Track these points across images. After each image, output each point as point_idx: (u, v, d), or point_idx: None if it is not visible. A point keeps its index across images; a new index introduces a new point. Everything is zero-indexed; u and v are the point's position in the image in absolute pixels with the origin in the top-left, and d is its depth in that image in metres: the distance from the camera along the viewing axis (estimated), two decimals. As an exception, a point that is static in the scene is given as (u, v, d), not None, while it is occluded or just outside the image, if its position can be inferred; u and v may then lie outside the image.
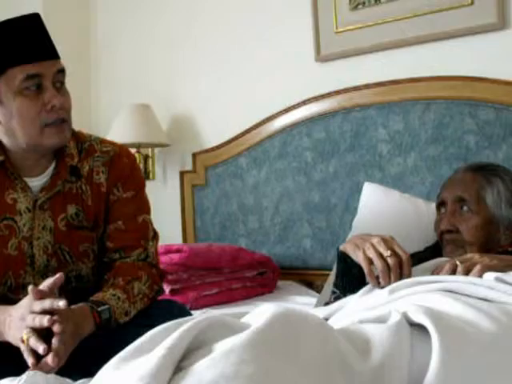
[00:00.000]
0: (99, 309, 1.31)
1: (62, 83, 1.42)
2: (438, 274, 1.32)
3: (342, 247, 1.49)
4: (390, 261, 1.32)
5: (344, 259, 1.46)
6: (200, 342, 0.85)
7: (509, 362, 0.98)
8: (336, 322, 1.14)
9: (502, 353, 0.98)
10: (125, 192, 1.50)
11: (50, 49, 1.39)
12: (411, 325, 0.99)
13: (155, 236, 1.56)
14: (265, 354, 0.79)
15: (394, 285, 1.24)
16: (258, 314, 0.89)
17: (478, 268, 1.27)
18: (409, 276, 1.33)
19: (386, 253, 1.33)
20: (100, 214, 1.49)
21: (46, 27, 1.41)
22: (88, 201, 1.47)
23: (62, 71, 1.41)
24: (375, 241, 1.37)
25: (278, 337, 0.83)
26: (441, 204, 1.65)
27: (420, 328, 0.98)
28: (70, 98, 1.45)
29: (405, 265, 1.33)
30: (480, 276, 1.26)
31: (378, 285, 1.33)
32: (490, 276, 1.23)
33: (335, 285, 1.50)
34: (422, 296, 1.15)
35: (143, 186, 1.57)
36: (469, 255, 1.35)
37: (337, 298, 1.45)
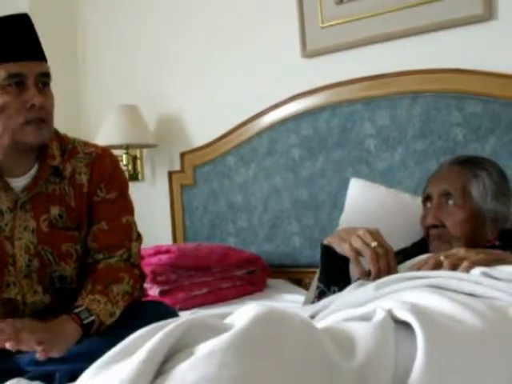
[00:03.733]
0: (76, 310, 1.32)
1: (46, 84, 1.43)
2: (419, 269, 1.30)
3: (325, 241, 1.49)
4: (378, 250, 1.35)
5: (328, 253, 1.47)
6: (182, 345, 0.84)
7: (495, 357, 0.97)
8: (322, 320, 1.13)
9: (487, 348, 0.97)
10: (108, 193, 1.51)
11: (36, 50, 1.40)
12: (396, 322, 0.98)
13: (139, 237, 1.57)
14: (247, 356, 0.78)
15: (379, 281, 1.23)
16: (241, 314, 0.88)
17: (465, 264, 1.26)
18: (394, 267, 1.35)
19: (374, 243, 1.36)
20: (83, 215, 1.49)
21: (35, 29, 1.42)
22: (71, 202, 1.48)
23: (46, 74, 1.42)
24: (361, 232, 1.40)
25: (261, 337, 0.81)
26: (427, 199, 1.64)
27: (405, 325, 0.97)
28: (53, 99, 1.46)
29: (390, 256, 1.36)
30: (467, 272, 1.25)
31: (365, 276, 1.34)
32: (476, 271, 1.22)
33: (319, 279, 1.51)
34: (408, 292, 1.14)
35: (126, 188, 1.59)
36: (454, 250, 1.34)
37: (321, 293, 1.46)
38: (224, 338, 0.80)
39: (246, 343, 0.79)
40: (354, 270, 1.45)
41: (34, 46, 1.40)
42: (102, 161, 1.53)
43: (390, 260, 1.35)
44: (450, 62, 2.20)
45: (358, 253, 1.37)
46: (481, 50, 2.18)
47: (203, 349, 0.80)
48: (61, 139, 1.52)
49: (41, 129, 1.41)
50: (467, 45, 2.20)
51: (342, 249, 1.42)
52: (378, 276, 1.33)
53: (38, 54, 1.40)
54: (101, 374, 0.81)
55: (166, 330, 0.82)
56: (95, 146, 1.58)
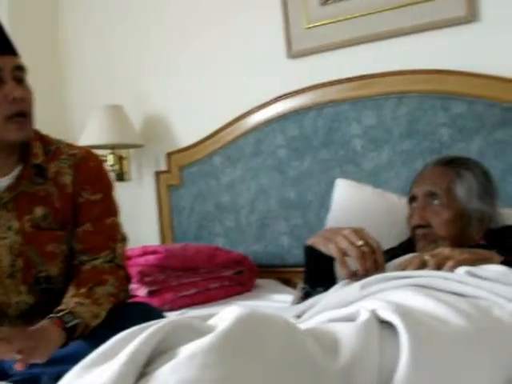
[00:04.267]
0: (59, 314, 1.31)
1: (22, 80, 1.42)
2: (404, 269, 1.31)
3: (309, 241, 1.48)
4: (364, 249, 1.34)
5: (312, 253, 1.46)
6: (165, 346, 0.83)
7: (479, 357, 0.98)
8: (307, 321, 1.13)
9: (471, 348, 0.97)
10: (92, 194, 1.51)
11: (8, 44, 1.40)
12: (381, 322, 0.98)
13: (124, 239, 1.56)
14: (229, 357, 0.78)
15: (364, 281, 1.23)
16: (224, 316, 0.87)
17: (450, 263, 1.26)
18: (382, 264, 1.35)
19: (359, 242, 1.35)
20: (67, 216, 1.49)
21: (4, 25, 1.42)
22: (55, 203, 1.47)
23: (21, 68, 1.41)
24: (347, 232, 1.38)
25: (243, 339, 0.81)
26: (412, 199, 1.65)
27: (390, 325, 0.97)
28: (32, 93, 1.45)
29: (377, 253, 1.35)
30: (452, 271, 1.25)
31: (352, 276, 1.34)
32: (461, 270, 1.23)
33: (304, 280, 1.50)
34: (393, 292, 1.14)
35: (111, 189, 1.58)
36: (438, 250, 1.34)
37: (307, 293, 1.45)
38: (206, 339, 0.79)
39: (228, 345, 0.79)
40: (339, 269, 1.45)
41: (5, 40, 1.40)
42: (86, 162, 1.52)
43: (377, 257, 1.35)
44: (435, 62, 2.21)
45: (344, 253, 1.36)
46: (465, 51, 2.19)
47: (185, 351, 0.79)
48: (43, 139, 1.52)
49: (24, 124, 1.40)
50: (451, 46, 2.22)
51: (328, 249, 1.40)
52: (366, 275, 1.32)
53: (10, 48, 1.40)
54: (82, 377, 0.80)
55: (149, 331, 0.82)
56: (79, 148, 1.57)
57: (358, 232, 1.38)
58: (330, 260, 1.44)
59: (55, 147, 1.52)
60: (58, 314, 1.32)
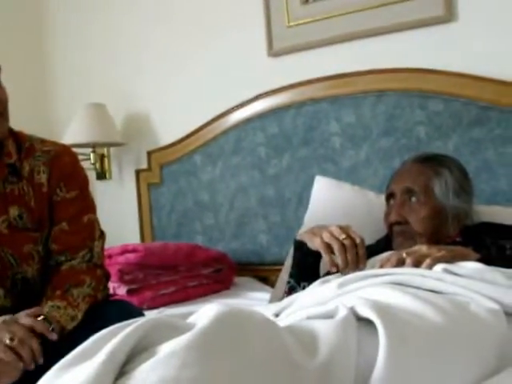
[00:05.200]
0: None
1: None
2: (382, 266, 1.32)
3: (298, 236, 1.52)
4: (346, 242, 1.38)
5: (300, 248, 1.48)
6: (144, 345, 0.83)
7: (456, 351, 0.99)
8: (286, 318, 1.13)
9: (448, 343, 0.98)
10: (68, 192, 1.48)
11: None
12: (359, 319, 0.98)
13: (101, 236, 1.53)
14: (208, 356, 0.78)
15: (343, 278, 1.24)
16: (203, 314, 0.87)
17: (428, 262, 1.28)
18: (363, 258, 1.39)
19: (342, 236, 1.40)
20: (44, 216, 1.46)
21: None
22: (31, 202, 1.44)
23: None
24: (333, 228, 1.44)
25: (222, 337, 0.81)
26: (390, 196, 1.66)
27: (368, 322, 0.97)
28: (6, 92, 1.42)
29: (359, 246, 1.39)
30: (430, 269, 1.27)
31: (334, 267, 1.37)
32: (438, 268, 1.24)
33: (290, 274, 1.52)
34: (372, 289, 1.15)
35: (87, 185, 1.55)
36: (416, 247, 1.36)
37: (291, 288, 1.47)
38: (185, 338, 0.79)
39: (206, 343, 0.79)
40: (324, 266, 1.48)
41: None
42: (60, 159, 1.49)
43: (359, 251, 1.38)
44: (414, 61, 2.23)
45: (328, 246, 1.40)
46: (442, 50, 2.22)
47: (164, 349, 0.79)
48: (16, 137, 1.48)
49: None
50: (429, 45, 2.24)
51: (313, 243, 1.45)
52: (346, 267, 1.36)
53: None
54: (60, 377, 0.80)
55: (128, 330, 0.82)
56: (53, 144, 1.53)
57: (343, 228, 1.43)
58: (317, 256, 1.48)
59: (28, 144, 1.48)
60: None
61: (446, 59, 2.19)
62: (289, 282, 1.53)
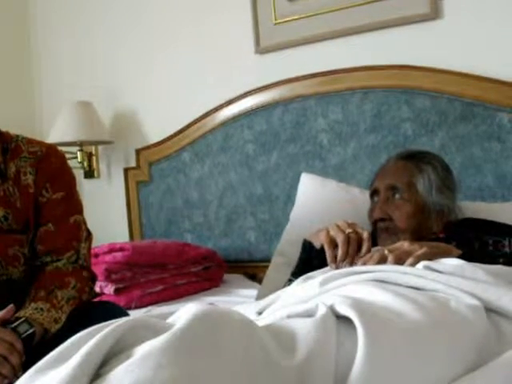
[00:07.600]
0: (13, 325, 1.26)
1: None
2: (364, 263, 1.32)
3: (308, 236, 1.51)
4: (351, 235, 1.39)
5: (308, 249, 1.48)
6: (121, 347, 0.82)
7: (436, 348, 0.99)
8: (269, 316, 1.13)
9: (427, 340, 0.98)
10: (54, 193, 1.46)
11: None
12: (338, 317, 0.99)
13: (88, 237, 1.52)
14: (184, 356, 0.77)
15: (324, 276, 1.24)
16: (181, 314, 0.87)
17: (410, 260, 1.28)
18: (367, 251, 1.39)
19: (348, 230, 1.41)
20: (30, 217, 1.44)
21: None
22: (16, 203, 1.42)
23: None
24: (340, 223, 1.44)
25: (199, 337, 0.81)
26: (374, 193, 1.67)
27: (347, 320, 0.97)
28: None
29: (365, 241, 1.40)
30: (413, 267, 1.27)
31: (334, 262, 1.38)
32: (419, 265, 1.25)
33: (293, 273, 1.52)
34: (352, 287, 1.15)
35: (74, 186, 1.53)
36: (398, 244, 1.36)
37: None
38: (161, 338, 0.79)
39: (183, 343, 0.78)
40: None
41: None
42: (47, 159, 1.47)
43: (363, 244, 1.39)
44: (400, 58, 2.24)
45: (332, 240, 1.40)
46: (428, 47, 2.23)
47: (140, 350, 0.78)
48: (1, 137, 1.46)
49: None
50: (415, 42, 2.25)
51: (319, 237, 1.46)
52: (344, 260, 1.37)
53: None
54: (37, 380, 0.79)
55: (104, 332, 0.81)
56: (40, 144, 1.51)
57: (350, 224, 1.44)
58: (322, 258, 1.46)
59: (14, 144, 1.46)
60: (13, 325, 1.26)
61: (431, 56, 2.19)
62: (290, 280, 1.52)
